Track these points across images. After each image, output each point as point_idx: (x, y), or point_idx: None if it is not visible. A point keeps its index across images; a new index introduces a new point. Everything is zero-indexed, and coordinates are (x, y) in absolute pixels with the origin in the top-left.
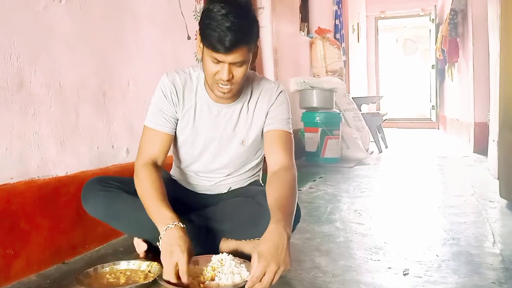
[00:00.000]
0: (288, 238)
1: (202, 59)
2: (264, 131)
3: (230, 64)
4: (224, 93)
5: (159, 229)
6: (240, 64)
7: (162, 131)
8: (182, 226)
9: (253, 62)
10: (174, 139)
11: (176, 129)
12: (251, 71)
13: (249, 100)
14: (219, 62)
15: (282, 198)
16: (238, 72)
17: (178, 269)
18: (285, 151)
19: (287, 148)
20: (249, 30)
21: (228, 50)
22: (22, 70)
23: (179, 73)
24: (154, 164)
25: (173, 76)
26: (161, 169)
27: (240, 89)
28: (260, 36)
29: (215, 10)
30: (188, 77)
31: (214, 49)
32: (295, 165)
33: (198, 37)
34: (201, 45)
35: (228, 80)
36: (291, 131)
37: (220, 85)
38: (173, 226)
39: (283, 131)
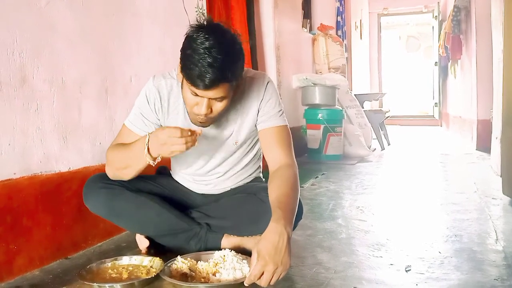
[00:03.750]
0: (288, 237)
1: (181, 86)
2: (258, 129)
3: (210, 99)
4: (201, 122)
5: (142, 146)
6: (220, 99)
7: (138, 134)
8: None
9: (236, 92)
10: None
11: None
12: None
13: (237, 97)
14: (198, 95)
15: (283, 196)
16: (218, 106)
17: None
18: (284, 148)
19: (285, 144)
20: (232, 67)
21: (207, 87)
22: (25, 66)
23: (166, 78)
24: None
25: (159, 81)
26: None
27: None
28: (262, 33)
29: (199, 41)
30: (175, 82)
31: (194, 84)
32: (295, 161)
33: (179, 64)
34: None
35: (206, 115)
36: (286, 123)
37: (198, 116)
38: (152, 130)
39: (278, 126)
